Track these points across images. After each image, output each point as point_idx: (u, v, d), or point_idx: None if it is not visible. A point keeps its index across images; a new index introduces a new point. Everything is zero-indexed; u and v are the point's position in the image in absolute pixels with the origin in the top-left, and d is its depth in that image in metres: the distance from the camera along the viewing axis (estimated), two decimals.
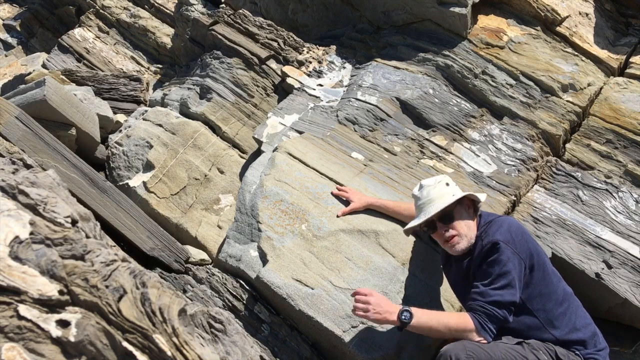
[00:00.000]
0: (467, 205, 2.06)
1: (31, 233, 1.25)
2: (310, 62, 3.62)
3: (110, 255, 1.36)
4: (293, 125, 3.17)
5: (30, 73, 4.65)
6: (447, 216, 2.00)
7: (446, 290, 2.36)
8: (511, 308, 1.88)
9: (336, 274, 2.32)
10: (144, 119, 3.51)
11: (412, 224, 2.08)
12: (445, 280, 2.34)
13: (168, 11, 6.08)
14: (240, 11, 4.02)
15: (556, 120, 3.11)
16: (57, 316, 1.18)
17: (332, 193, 2.61)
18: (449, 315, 1.89)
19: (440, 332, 1.87)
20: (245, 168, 3.16)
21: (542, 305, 1.94)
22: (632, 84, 3.22)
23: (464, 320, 1.85)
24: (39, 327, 1.15)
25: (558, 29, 3.47)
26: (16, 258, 1.19)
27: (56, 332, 1.16)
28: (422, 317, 1.87)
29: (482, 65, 3.30)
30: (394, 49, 3.58)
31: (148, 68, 5.64)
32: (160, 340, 1.26)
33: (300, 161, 2.79)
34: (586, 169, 2.98)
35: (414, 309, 1.88)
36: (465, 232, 1.99)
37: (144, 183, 3.14)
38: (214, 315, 1.45)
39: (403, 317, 1.85)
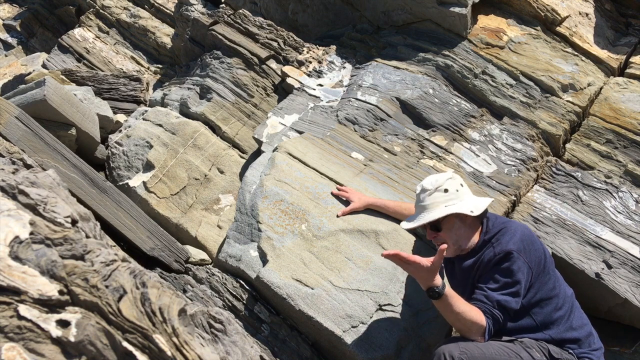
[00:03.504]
0: (465, 214, 2.06)
1: (31, 233, 1.25)
2: (310, 62, 3.62)
3: (110, 255, 1.36)
4: (293, 125, 3.17)
5: (30, 73, 4.64)
6: (435, 225, 2.04)
7: None
8: (511, 315, 1.91)
9: (336, 274, 2.32)
10: (144, 119, 3.51)
11: (405, 225, 2.11)
12: (445, 279, 2.34)
13: (168, 11, 6.08)
14: (240, 11, 4.02)
15: (556, 120, 3.11)
16: (57, 316, 1.18)
17: (332, 193, 2.61)
18: (471, 307, 1.90)
19: (453, 315, 1.87)
20: (245, 168, 3.16)
21: (540, 309, 1.96)
22: (632, 84, 3.22)
23: (478, 315, 1.87)
24: (39, 327, 1.15)
25: (558, 29, 3.47)
26: (16, 258, 1.19)
27: (56, 332, 1.15)
28: (453, 297, 1.88)
29: (482, 65, 3.30)
30: (394, 49, 3.57)
31: (148, 68, 5.64)
32: (160, 340, 1.26)
33: (300, 161, 2.79)
34: (586, 169, 2.98)
35: (448, 289, 1.88)
36: (453, 241, 2.03)
37: (144, 183, 3.14)
38: (214, 315, 1.45)
39: (440, 287, 1.86)
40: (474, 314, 1.86)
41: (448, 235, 2.03)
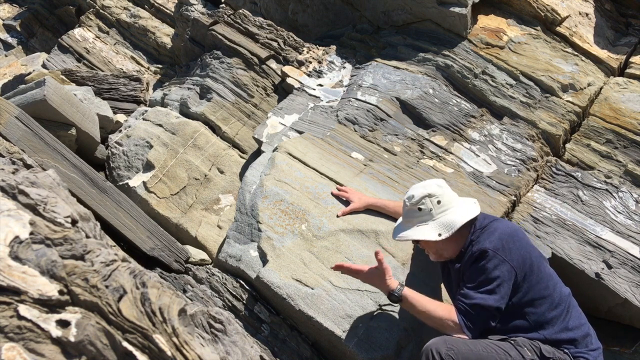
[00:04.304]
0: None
1: (31, 233, 1.25)
2: (310, 62, 3.62)
3: (110, 255, 1.36)
4: (293, 125, 3.17)
5: (30, 73, 4.64)
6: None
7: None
8: (494, 313, 1.89)
9: (336, 274, 2.32)
10: (144, 119, 3.51)
11: (395, 235, 2.14)
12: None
13: (168, 11, 6.08)
14: (240, 11, 4.02)
15: (556, 120, 3.11)
16: (57, 316, 1.18)
17: (332, 193, 2.61)
18: (437, 304, 1.95)
19: (422, 314, 1.94)
20: (245, 168, 3.16)
21: (534, 309, 1.94)
22: (632, 84, 3.22)
23: (446, 311, 1.91)
24: (39, 327, 1.15)
25: (558, 29, 3.47)
26: (16, 258, 1.19)
27: (56, 332, 1.15)
28: (413, 297, 1.95)
29: (482, 65, 3.30)
30: (394, 49, 3.58)
31: (148, 68, 5.64)
32: (160, 340, 1.26)
33: (300, 161, 2.79)
34: (586, 169, 2.98)
35: (406, 290, 1.95)
36: (433, 251, 2.08)
37: (144, 183, 3.14)
38: (214, 315, 1.45)
39: (396, 291, 1.95)
40: (441, 310, 1.90)
41: (427, 246, 2.08)
